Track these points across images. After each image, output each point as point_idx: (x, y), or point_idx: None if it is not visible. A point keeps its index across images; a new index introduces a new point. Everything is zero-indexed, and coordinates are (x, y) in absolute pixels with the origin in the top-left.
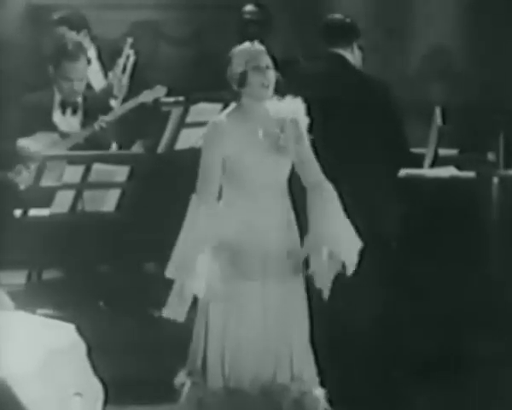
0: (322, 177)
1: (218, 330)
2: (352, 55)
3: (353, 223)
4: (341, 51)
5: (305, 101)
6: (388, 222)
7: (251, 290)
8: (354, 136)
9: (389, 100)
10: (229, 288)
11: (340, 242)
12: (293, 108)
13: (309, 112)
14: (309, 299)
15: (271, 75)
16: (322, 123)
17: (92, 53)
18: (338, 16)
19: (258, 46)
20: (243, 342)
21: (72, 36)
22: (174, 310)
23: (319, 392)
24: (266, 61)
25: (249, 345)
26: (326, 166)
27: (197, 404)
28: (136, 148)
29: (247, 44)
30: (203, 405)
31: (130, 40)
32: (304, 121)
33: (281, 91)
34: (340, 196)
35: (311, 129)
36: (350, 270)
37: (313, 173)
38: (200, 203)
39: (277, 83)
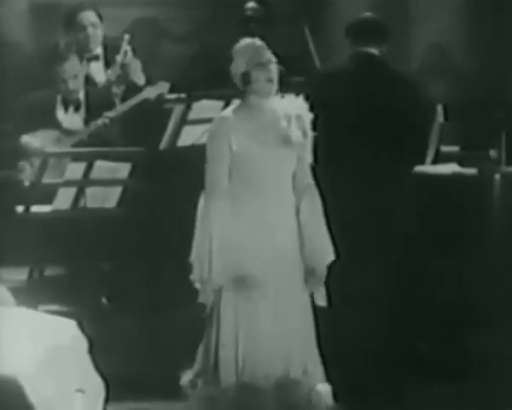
0: (311, 179)
1: (230, 327)
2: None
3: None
4: (372, 51)
5: (335, 99)
6: (394, 220)
7: (261, 279)
8: (381, 134)
9: (418, 99)
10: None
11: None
12: (297, 104)
13: (340, 110)
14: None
15: (274, 69)
16: (352, 122)
17: (99, 51)
18: (368, 15)
19: (257, 42)
20: (256, 337)
21: (94, 22)
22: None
23: (324, 388)
24: (267, 55)
25: (262, 341)
26: (346, 164)
27: (209, 403)
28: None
29: (246, 41)
30: (215, 403)
31: (127, 36)
32: (308, 117)
33: (303, 89)
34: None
35: (315, 126)
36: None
37: (305, 173)
38: (210, 201)
39: (281, 77)
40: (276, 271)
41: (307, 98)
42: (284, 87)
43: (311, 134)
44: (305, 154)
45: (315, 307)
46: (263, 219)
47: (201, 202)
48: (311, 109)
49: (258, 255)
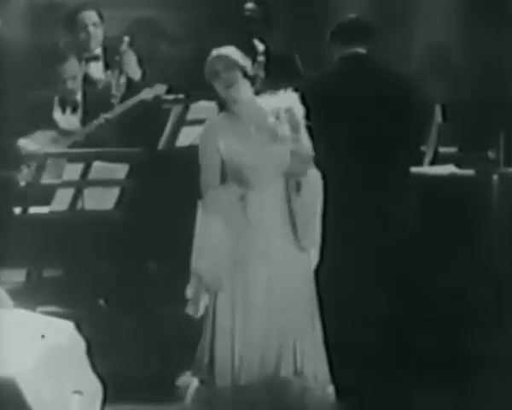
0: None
1: (226, 326)
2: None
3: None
4: (360, 50)
5: (328, 98)
6: (392, 221)
7: (256, 276)
8: (373, 133)
9: (411, 97)
10: (235, 274)
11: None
12: (288, 98)
13: (332, 111)
14: (320, 300)
15: (230, 75)
16: (345, 122)
17: (99, 51)
18: (354, 16)
19: (215, 53)
20: (250, 336)
21: (96, 21)
22: (190, 307)
23: (323, 390)
24: (224, 62)
25: (255, 339)
26: (337, 161)
27: (204, 403)
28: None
29: (210, 55)
30: (210, 403)
31: (126, 38)
32: (299, 110)
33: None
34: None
35: (308, 117)
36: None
37: None
38: (206, 202)
39: (256, 76)
40: (273, 272)
41: (296, 90)
42: (275, 88)
43: (303, 124)
44: (300, 145)
45: (322, 310)
46: (257, 219)
47: (199, 209)
48: (303, 101)
49: (253, 257)
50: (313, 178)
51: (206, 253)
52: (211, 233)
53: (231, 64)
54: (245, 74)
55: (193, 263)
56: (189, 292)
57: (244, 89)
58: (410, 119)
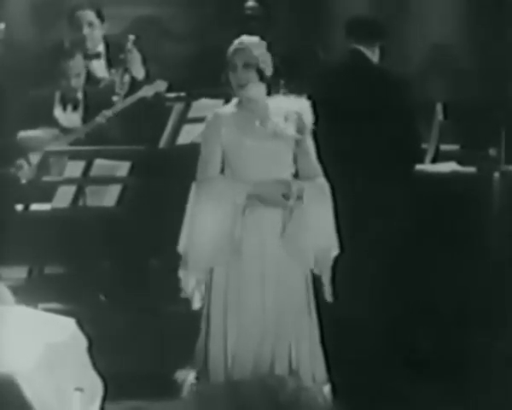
0: (318, 173)
1: (219, 324)
2: (373, 54)
3: (361, 217)
4: (362, 48)
5: (323, 94)
6: (394, 218)
7: (251, 273)
8: (369, 131)
9: (406, 96)
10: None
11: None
12: (299, 104)
13: (327, 106)
14: (317, 300)
15: (247, 75)
16: (340, 117)
17: (101, 48)
18: (365, 15)
19: (240, 44)
20: (243, 334)
21: (91, 21)
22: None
23: (320, 390)
24: (244, 59)
25: (249, 337)
26: (338, 161)
27: (198, 399)
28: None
29: (235, 42)
30: (203, 399)
31: (132, 37)
32: (308, 117)
33: (295, 85)
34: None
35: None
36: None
37: (310, 168)
38: (200, 186)
39: (276, 80)
40: (268, 271)
41: (309, 98)
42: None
43: (310, 134)
44: (306, 150)
45: (319, 308)
46: (253, 217)
47: (192, 189)
48: (314, 109)
49: (248, 255)
50: (317, 188)
51: (195, 237)
52: (203, 220)
53: (251, 62)
54: (261, 76)
55: (181, 243)
56: (181, 273)
57: (258, 89)
58: (401, 117)
